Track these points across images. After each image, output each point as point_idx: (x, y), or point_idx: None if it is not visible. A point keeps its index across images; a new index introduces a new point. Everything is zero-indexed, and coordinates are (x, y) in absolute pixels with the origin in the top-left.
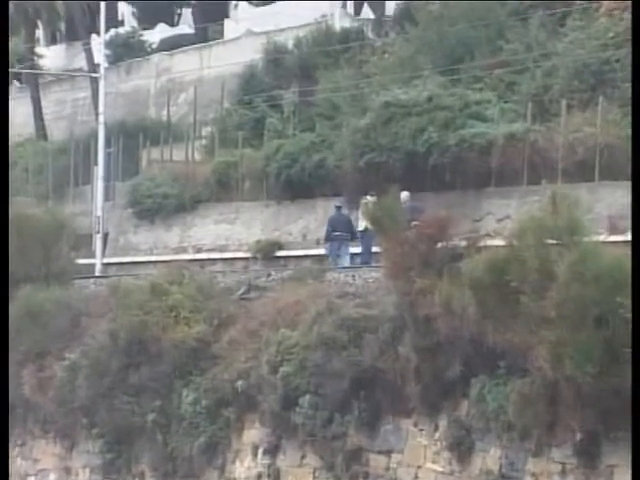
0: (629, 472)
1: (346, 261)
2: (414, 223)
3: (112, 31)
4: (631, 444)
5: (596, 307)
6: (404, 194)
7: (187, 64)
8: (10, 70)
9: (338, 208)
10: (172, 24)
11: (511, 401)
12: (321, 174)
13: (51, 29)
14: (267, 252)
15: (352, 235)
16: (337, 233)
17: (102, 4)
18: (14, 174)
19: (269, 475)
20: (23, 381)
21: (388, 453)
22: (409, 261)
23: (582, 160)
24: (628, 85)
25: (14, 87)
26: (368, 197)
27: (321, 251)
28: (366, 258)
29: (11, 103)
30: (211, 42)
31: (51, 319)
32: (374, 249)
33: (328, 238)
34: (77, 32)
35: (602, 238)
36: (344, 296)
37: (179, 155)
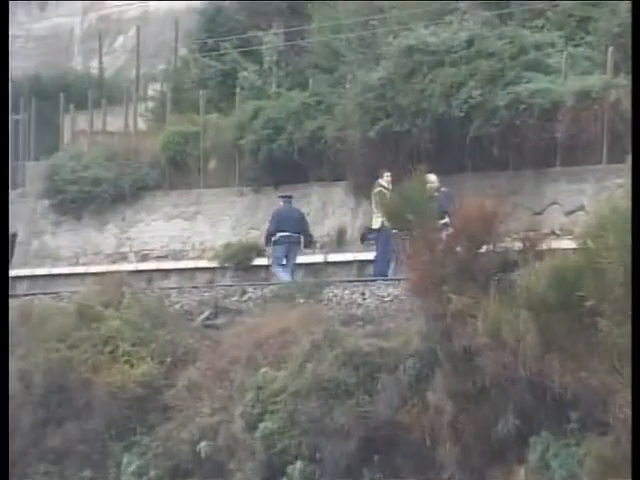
0: None
1: (286, 274)
2: (445, 219)
3: None
4: (631, 444)
5: None
6: (432, 177)
7: None
8: None
9: (286, 199)
10: None
11: (586, 469)
12: (317, 149)
13: None
14: (241, 260)
15: (305, 237)
16: (285, 234)
17: None
18: None
19: None
20: None
21: None
22: (441, 271)
23: None
24: None
25: None
26: (382, 182)
27: (317, 258)
28: (381, 267)
29: None
30: None
31: None
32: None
33: (271, 240)
34: None
35: None
36: (350, 321)
37: (116, 123)
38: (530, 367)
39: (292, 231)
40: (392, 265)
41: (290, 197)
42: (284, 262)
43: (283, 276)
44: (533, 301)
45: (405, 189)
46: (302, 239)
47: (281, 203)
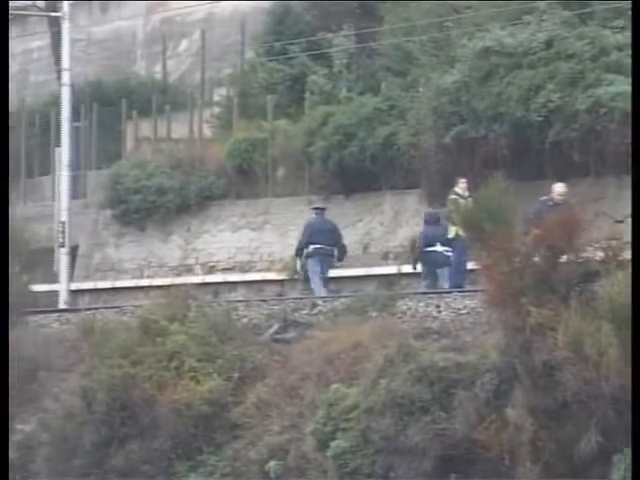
0: None
1: (319, 287)
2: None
3: None
4: (631, 444)
5: None
6: (559, 187)
7: None
8: None
9: (318, 211)
10: None
11: None
12: (389, 156)
13: None
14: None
15: (338, 249)
16: (317, 246)
17: None
18: None
19: None
20: None
21: None
22: (520, 282)
23: None
24: None
25: None
26: (458, 189)
27: (390, 269)
28: (457, 279)
29: None
30: None
31: None
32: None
33: (301, 253)
34: None
35: None
36: (425, 335)
37: (180, 130)
38: (613, 382)
39: (325, 244)
40: (467, 277)
41: (323, 209)
42: (317, 277)
43: (320, 290)
44: (616, 313)
45: (482, 197)
46: (335, 252)
47: (313, 215)
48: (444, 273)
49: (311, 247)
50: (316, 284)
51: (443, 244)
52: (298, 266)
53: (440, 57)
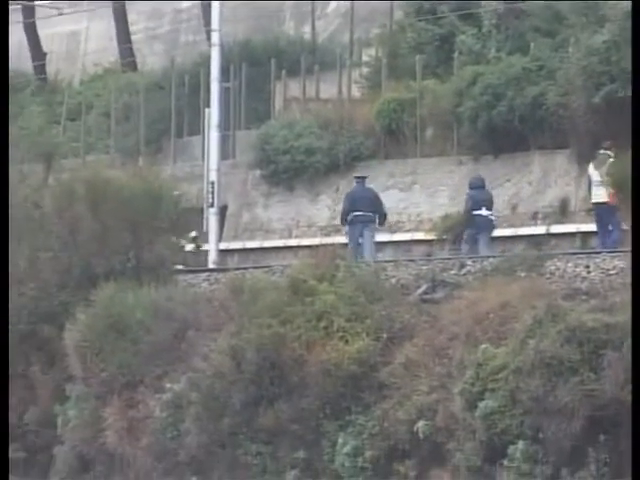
0: None
1: (368, 251)
2: None
3: None
4: (631, 444)
5: None
6: None
7: None
8: None
9: (359, 179)
10: None
11: None
12: (538, 116)
13: None
14: (459, 232)
15: (380, 216)
16: (358, 213)
17: None
18: (88, 120)
19: None
20: (105, 423)
21: None
22: None
23: None
24: None
25: None
26: (607, 150)
27: (539, 230)
28: (606, 239)
29: (82, 17)
30: None
31: (145, 333)
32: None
33: (345, 220)
34: None
35: None
36: (574, 296)
37: (329, 90)
38: None
39: (366, 210)
40: (617, 236)
41: (364, 178)
42: (360, 241)
43: (364, 253)
44: None
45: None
46: (377, 218)
47: (355, 184)
48: (484, 238)
49: (352, 214)
50: (354, 249)
51: (488, 208)
52: (344, 231)
53: (589, 17)
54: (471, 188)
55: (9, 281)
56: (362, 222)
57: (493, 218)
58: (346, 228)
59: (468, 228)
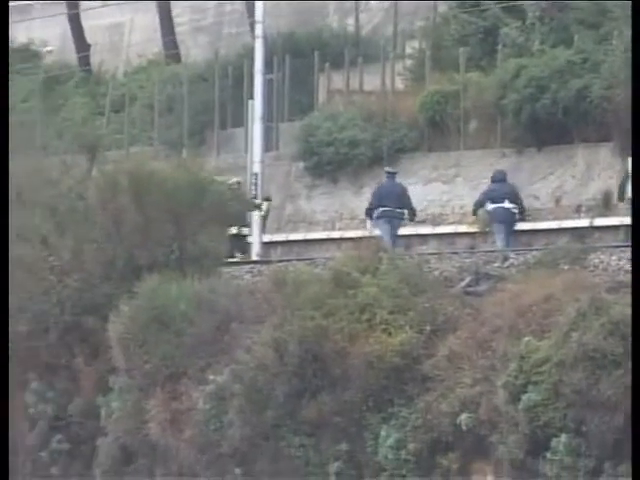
0: None
1: (388, 245)
2: None
3: None
4: (631, 443)
5: None
6: None
7: None
8: None
9: (389, 175)
10: None
11: None
12: (582, 109)
13: None
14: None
15: (409, 211)
16: (385, 208)
17: None
18: (132, 112)
19: None
20: (149, 415)
21: None
22: None
23: None
24: None
25: None
26: None
27: (582, 222)
28: None
29: (126, 9)
30: None
31: (188, 325)
32: None
33: (371, 214)
34: None
35: None
36: (618, 289)
37: (372, 83)
38: None
39: (393, 206)
40: None
41: (394, 173)
42: (387, 236)
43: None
44: None
45: None
46: (405, 213)
47: (385, 179)
48: (506, 231)
49: (380, 209)
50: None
51: (511, 201)
52: (368, 226)
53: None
54: (492, 181)
55: (8, 282)
56: (389, 217)
57: (515, 211)
58: (372, 223)
59: (495, 222)
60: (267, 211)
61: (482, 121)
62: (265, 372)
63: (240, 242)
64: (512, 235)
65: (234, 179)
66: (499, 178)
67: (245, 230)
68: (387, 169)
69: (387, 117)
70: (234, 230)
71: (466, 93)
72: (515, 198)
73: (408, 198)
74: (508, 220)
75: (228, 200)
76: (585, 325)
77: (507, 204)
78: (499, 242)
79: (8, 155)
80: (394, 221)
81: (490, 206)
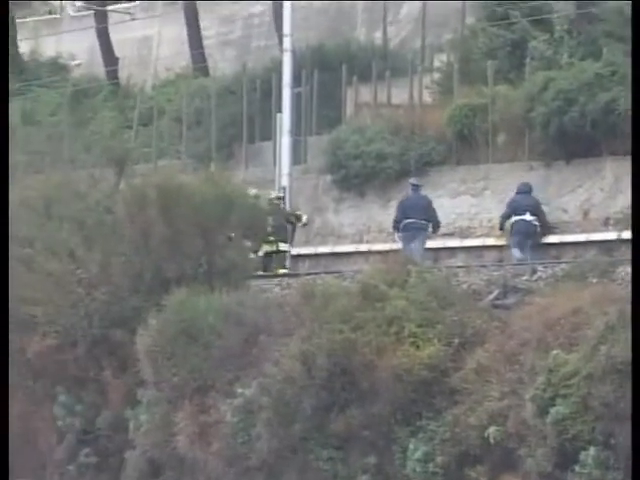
0: None
1: (417, 258)
2: None
3: None
4: (631, 443)
5: None
6: None
7: None
8: None
9: (414, 187)
10: None
11: None
12: (610, 122)
13: None
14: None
15: (433, 223)
16: (410, 220)
17: None
18: (160, 125)
19: None
20: (177, 428)
21: None
22: None
23: None
24: None
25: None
26: None
27: (610, 235)
28: None
29: (154, 22)
30: None
31: (216, 338)
32: None
33: (397, 227)
34: None
35: None
36: None
37: (400, 96)
38: None
39: (418, 218)
40: None
41: (419, 186)
42: (411, 248)
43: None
44: None
45: None
46: (430, 226)
47: (410, 191)
48: (528, 243)
49: (405, 221)
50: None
51: (533, 214)
52: (395, 238)
53: None
54: (517, 193)
55: (8, 283)
56: (414, 229)
57: (536, 224)
58: (398, 235)
59: (515, 234)
60: (306, 222)
61: (510, 134)
62: (293, 385)
63: (279, 257)
64: (533, 248)
65: (274, 193)
66: (523, 190)
67: (284, 246)
68: (412, 181)
69: (415, 130)
70: (271, 247)
71: (494, 106)
72: (537, 211)
73: (433, 210)
74: (528, 232)
75: (267, 214)
76: (613, 338)
77: (528, 216)
78: (515, 254)
79: (8, 156)
80: (419, 233)
81: (513, 218)
